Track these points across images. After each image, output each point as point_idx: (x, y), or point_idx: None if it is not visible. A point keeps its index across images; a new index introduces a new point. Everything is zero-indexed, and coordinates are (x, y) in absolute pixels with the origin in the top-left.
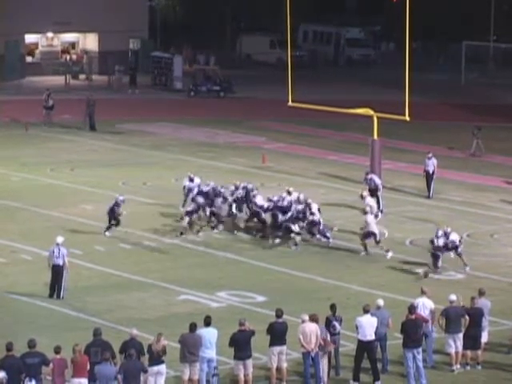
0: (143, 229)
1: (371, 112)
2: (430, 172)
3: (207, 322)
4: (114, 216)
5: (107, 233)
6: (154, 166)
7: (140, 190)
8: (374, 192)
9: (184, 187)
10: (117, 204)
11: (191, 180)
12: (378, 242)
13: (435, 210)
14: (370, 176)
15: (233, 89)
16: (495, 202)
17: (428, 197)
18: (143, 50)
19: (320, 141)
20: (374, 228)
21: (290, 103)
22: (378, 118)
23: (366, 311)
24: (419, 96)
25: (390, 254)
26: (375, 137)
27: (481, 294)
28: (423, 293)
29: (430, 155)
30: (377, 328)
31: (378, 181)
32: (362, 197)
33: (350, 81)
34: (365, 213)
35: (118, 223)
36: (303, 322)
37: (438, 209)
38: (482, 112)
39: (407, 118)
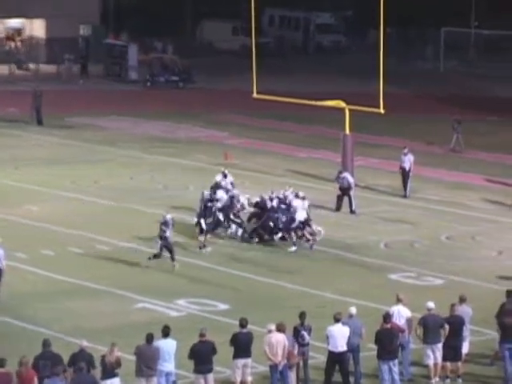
0: (95, 231)
1: (343, 104)
2: (406, 169)
3: (165, 333)
4: (165, 242)
5: (151, 260)
6: (107, 163)
7: (91, 190)
8: (346, 191)
9: (217, 184)
10: (165, 224)
11: (225, 176)
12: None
13: (411, 209)
14: (343, 175)
15: (193, 79)
16: (476, 202)
17: (404, 196)
18: (95, 37)
19: (288, 136)
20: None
21: (254, 95)
22: (350, 110)
23: (336, 320)
24: (395, 86)
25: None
26: (347, 131)
27: (461, 300)
28: (399, 300)
29: (405, 151)
30: (349, 338)
31: (351, 179)
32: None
33: (320, 70)
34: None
35: (171, 251)
36: (269, 332)
37: (414, 208)
38: (463, 104)
39: (382, 110)
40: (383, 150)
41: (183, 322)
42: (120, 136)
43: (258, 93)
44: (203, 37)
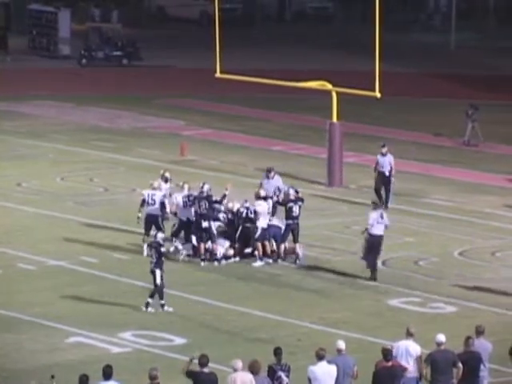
0: (18, 247)
1: (329, 86)
2: (386, 174)
3: (107, 374)
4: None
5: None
6: (33, 160)
7: (13, 194)
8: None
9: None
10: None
11: (166, 181)
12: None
13: (416, 218)
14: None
15: (140, 54)
16: (497, 208)
17: (385, 207)
18: (17, 2)
19: (260, 125)
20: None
21: (218, 74)
22: (337, 93)
23: (320, 357)
24: (394, 64)
25: None
26: (334, 119)
27: (478, 332)
28: (410, 335)
29: (384, 150)
30: (337, 380)
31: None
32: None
33: (300, 43)
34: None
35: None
36: (235, 370)
37: (419, 217)
38: (479, 85)
39: (378, 93)
40: (380, 143)
41: (128, 360)
42: (48, 126)
43: (222, 72)
44: (153, 1)
